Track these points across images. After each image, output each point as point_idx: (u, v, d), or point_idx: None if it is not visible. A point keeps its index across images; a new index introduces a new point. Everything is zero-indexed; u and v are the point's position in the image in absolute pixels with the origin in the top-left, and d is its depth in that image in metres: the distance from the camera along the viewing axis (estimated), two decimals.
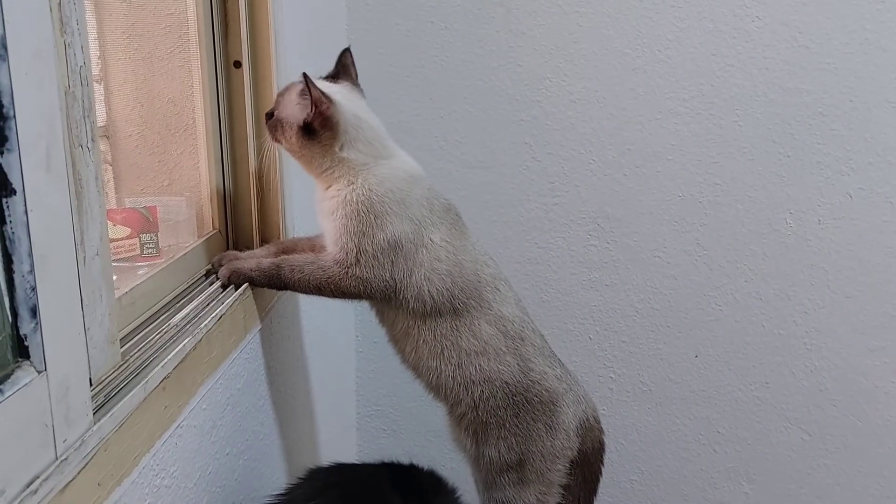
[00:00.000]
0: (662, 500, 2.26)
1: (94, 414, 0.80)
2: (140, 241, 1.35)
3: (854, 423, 2.18)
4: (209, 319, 1.11)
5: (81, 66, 0.84)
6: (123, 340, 1.00)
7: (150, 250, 1.35)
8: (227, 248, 1.44)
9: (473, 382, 1.34)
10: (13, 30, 0.66)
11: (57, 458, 0.72)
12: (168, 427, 0.96)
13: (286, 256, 1.33)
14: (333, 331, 2.02)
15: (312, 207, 1.61)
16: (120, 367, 0.93)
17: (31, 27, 0.70)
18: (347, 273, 1.28)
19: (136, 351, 0.98)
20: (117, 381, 0.90)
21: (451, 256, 1.34)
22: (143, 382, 0.90)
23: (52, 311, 0.72)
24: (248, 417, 1.29)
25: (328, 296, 1.31)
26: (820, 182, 2.06)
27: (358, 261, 1.28)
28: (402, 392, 2.26)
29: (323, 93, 1.28)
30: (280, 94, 1.34)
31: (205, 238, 1.38)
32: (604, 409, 2.24)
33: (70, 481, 0.73)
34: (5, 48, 0.65)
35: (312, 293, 1.32)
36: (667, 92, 2.05)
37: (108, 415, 0.82)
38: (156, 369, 0.93)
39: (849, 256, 2.10)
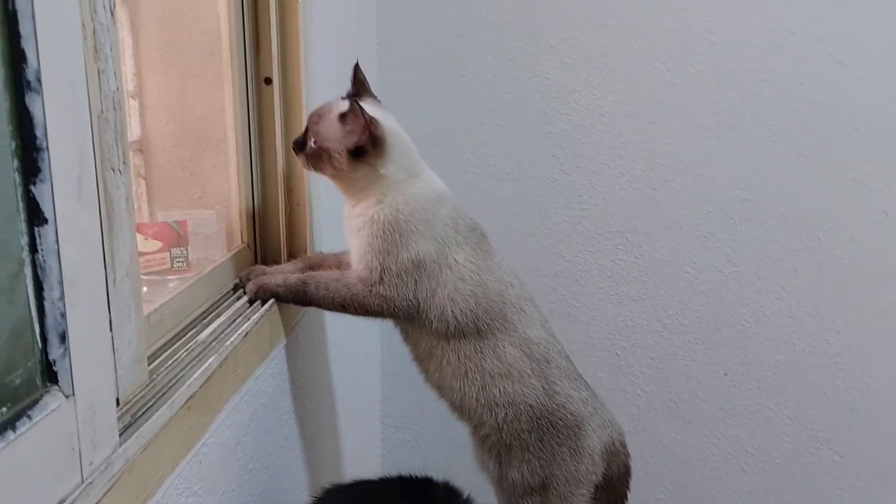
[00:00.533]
0: None
1: (119, 436, 0.82)
2: (171, 254, 1.37)
3: (888, 444, 2.13)
4: (235, 336, 1.12)
5: (115, 91, 0.86)
6: (151, 358, 1.02)
7: (179, 264, 1.37)
8: (255, 262, 1.45)
9: (497, 405, 1.34)
10: (48, 63, 0.68)
11: (83, 482, 0.74)
12: (192, 446, 0.97)
13: (312, 273, 1.34)
14: (359, 342, 2.03)
15: (339, 223, 1.63)
16: (147, 385, 0.94)
17: (66, 59, 0.72)
18: (371, 291, 1.29)
19: (163, 369, 1.00)
20: (144, 401, 0.91)
21: (476, 276, 1.34)
22: (168, 402, 0.91)
23: (80, 336, 0.74)
24: (272, 433, 1.30)
25: (352, 313, 1.32)
26: (853, 199, 2.02)
27: (382, 279, 1.29)
28: (428, 404, 2.24)
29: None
30: (313, 123, 1.33)
31: (234, 252, 1.39)
32: (630, 426, 2.22)
33: None
34: (40, 81, 0.67)
35: (336, 310, 1.33)
36: (697, 106, 2.03)
37: (134, 436, 0.83)
38: (181, 388, 0.95)
39: (882, 274, 2.05)
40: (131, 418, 0.87)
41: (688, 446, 2.23)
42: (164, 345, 1.08)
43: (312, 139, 1.32)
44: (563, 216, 2.16)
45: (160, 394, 0.93)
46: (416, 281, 1.29)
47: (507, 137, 2.13)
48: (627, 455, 1.47)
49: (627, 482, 1.48)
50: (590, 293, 2.20)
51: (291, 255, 1.49)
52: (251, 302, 1.29)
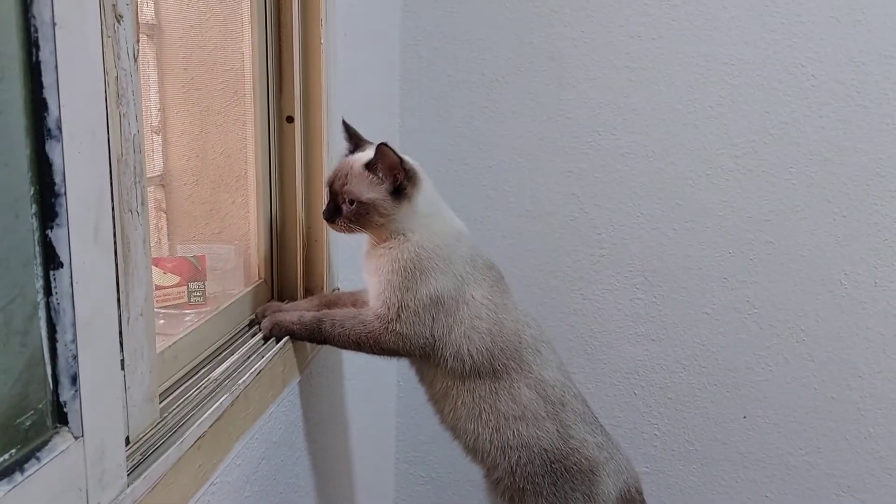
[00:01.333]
0: None
1: (128, 475, 0.82)
2: (188, 289, 1.39)
3: None
4: (248, 375, 1.13)
5: (135, 135, 0.88)
6: (163, 395, 1.02)
7: (197, 298, 1.39)
8: (272, 298, 1.46)
9: (511, 447, 1.33)
10: (69, 111, 0.69)
11: None
12: (201, 486, 0.98)
13: (328, 311, 1.35)
14: (374, 377, 2.02)
15: (356, 261, 1.64)
16: (158, 423, 0.95)
17: (87, 107, 0.73)
18: (388, 328, 1.29)
19: (174, 407, 1.00)
20: (154, 440, 0.92)
21: (492, 315, 1.34)
22: (178, 442, 0.92)
23: (92, 378, 0.74)
24: (283, 470, 1.30)
25: (367, 351, 1.32)
26: (877, 243, 2.00)
27: (399, 316, 1.29)
28: (443, 439, 2.22)
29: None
30: (340, 186, 1.31)
31: (251, 287, 1.41)
32: (647, 467, 2.19)
33: None
34: (60, 129, 0.69)
35: (352, 348, 1.33)
36: (718, 148, 2.02)
37: (143, 476, 0.84)
38: (192, 428, 0.95)
39: None
40: (141, 457, 0.88)
41: (705, 489, 2.19)
42: (177, 381, 1.09)
43: (347, 201, 1.30)
44: (582, 254, 2.16)
45: (170, 433, 0.94)
46: (433, 318, 1.30)
47: (528, 175, 2.14)
48: (644, 502, 1.45)
49: None
50: (608, 332, 2.19)
51: (308, 292, 1.50)
52: (266, 339, 1.30)
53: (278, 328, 1.31)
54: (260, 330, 1.32)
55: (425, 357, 1.33)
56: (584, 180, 2.11)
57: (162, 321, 1.39)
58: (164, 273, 1.38)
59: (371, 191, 1.29)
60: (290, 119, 1.45)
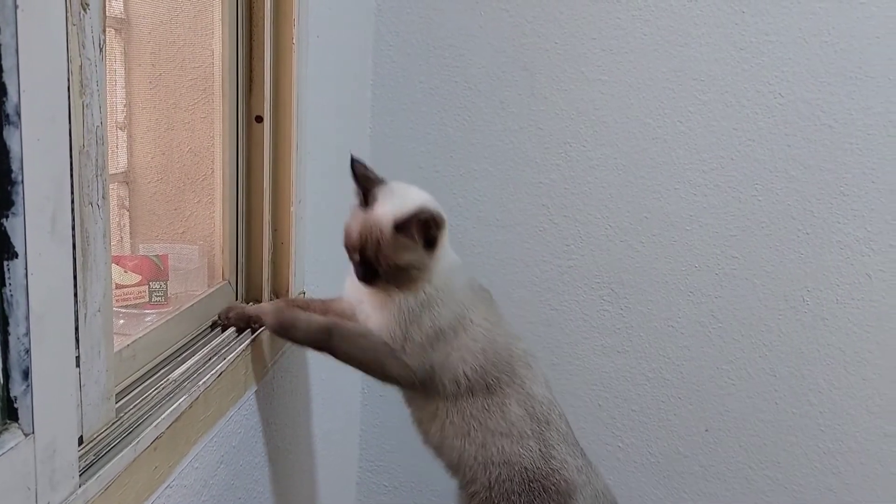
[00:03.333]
0: None
1: (80, 476, 0.80)
2: (149, 288, 1.36)
3: None
4: (208, 377, 1.11)
5: (98, 126, 0.86)
6: (120, 395, 1.00)
7: (158, 298, 1.36)
8: (237, 300, 1.44)
9: (493, 463, 1.32)
10: (29, 97, 0.67)
11: None
12: (156, 488, 0.95)
13: (338, 322, 1.32)
14: (340, 384, 2.00)
15: (323, 265, 1.62)
16: (113, 423, 0.92)
17: (48, 94, 0.71)
18: (396, 358, 1.28)
19: (131, 407, 0.98)
20: (108, 440, 0.89)
21: (487, 334, 1.33)
22: (133, 443, 0.89)
23: (44, 373, 0.72)
24: (241, 476, 1.27)
25: (371, 374, 1.31)
26: (839, 261, 2.03)
27: (404, 349, 1.28)
28: (407, 448, 2.22)
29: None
30: (371, 254, 1.25)
31: (214, 289, 1.38)
32: (610, 478, 2.17)
33: None
34: (19, 115, 0.66)
35: (354, 365, 1.31)
36: (686, 163, 2.05)
37: (95, 477, 0.81)
38: (148, 429, 0.93)
39: (866, 338, 2.05)
40: (94, 457, 0.85)
41: (667, 501, 2.20)
42: (135, 382, 1.06)
43: (383, 263, 1.25)
44: (550, 265, 2.16)
45: (126, 433, 0.91)
46: (433, 349, 1.29)
47: (497, 184, 2.14)
48: None
49: None
50: (575, 343, 2.19)
51: (274, 294, 1.48)
52: (252, 331, 1.29)
53: (281, 325, 1.28)
54: (222, 330, 1.29)
55: (423, 386, 1.32)
56: (554, 191, 2.12)
57: (122, 321, 1.36)
58: (125, 272, 1.35)
59: (407, 253, 1.25)
60: (260, 119, 1.43)
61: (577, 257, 2.14)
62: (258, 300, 1.46)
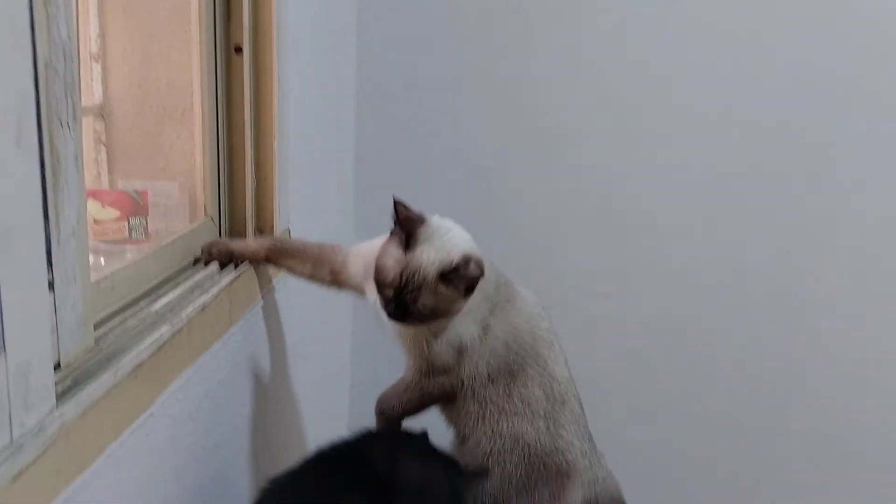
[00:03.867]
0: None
1: (57, 399, 0.78)
2: (129, 224, 1.33)
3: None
4: (191, 308, 1.08)
5: (66, 42, 0.82)
6: (100, 325, 0.97)
7: (138, 234, 1.33)
8: (220, 235, 1.41)
9: (500, 436, 1.31)
10: None
11: (11, 443, 0.70)
12: (138, 416, 0.93)
13: (380, 399, 1.36)
14: (329, 321, 1.98)
15: (308, 202, 1.59)
16: (92, 351, 0.90)
17: None
18: (430, 385, 1.31)
19: (110, 336, 0.95)
20: (87, 366, 0.87)
21: (508, 327, 1.32)
22: (113, 368, 0.87)
23: (14, 290, 0.69)
24: (228, 411, 1.26)
25: (423, 410, 1.35)
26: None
27: (433, 377, 1.30)
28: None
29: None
30: (410, 297, 1.21)
31: (196, 225, 1.35)
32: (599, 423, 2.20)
33: (24, 468, 0.71)
34: None
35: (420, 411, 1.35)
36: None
37: (73, 400, 0.79)
38: (128, 356, 0.91)
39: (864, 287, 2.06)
40: (72, 382, 0.83)
41: (650, 446, 2.21)
42: (115, 313, 1.03)
43: (421, 308, 1.22)
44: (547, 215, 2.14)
45: (105, 360, 0.89)
46: (459, 364, 1.29)
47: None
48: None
49: None
50: (569, 288, 2.18)
51: (258, 231, 1.45)
52: (235, 266, 1.28)
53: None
54: (205, 265, 1.27)
55: (455, 392, 1.32)
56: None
57: (102, 261, 1.33)
58: (104, 206, 1.32)
59: (448, 302, 1.23)
60: (239, 50, 1.38)
61: (568, 203, 2.13)
62: (242, 237, 1.43)
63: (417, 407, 1.33)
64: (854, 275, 2.05)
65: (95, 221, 1.32)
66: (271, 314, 1.45)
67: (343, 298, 2.11)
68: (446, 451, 1.30)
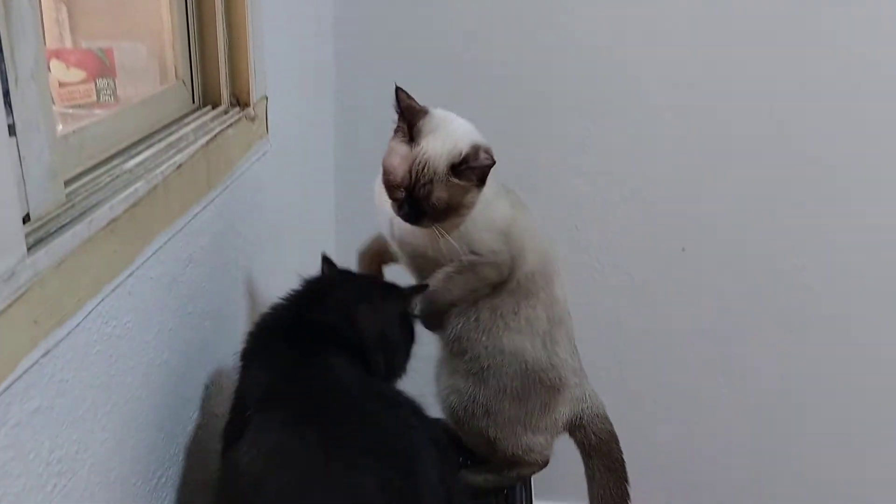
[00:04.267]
0: (638, 392, 2.27)
1: (28, 249, 0.73)
2: (96, 86, 1.25)
3: (836, 322, 2.16)
4: (166, 166, 1.03)
5: None
6: (71, 182, 0.92)
7: (107, 97, 1.25)
8: (193, 101, 1.34)
9: (501, 351, 1.33)
10: None
11: None
12: (118, 273, 0.90)
13: (429, 288, 1.28)
14: (312, 195, 1.94)
15: (284, 66, 1.51)
16: (63, 206, 0.85)
17: None
18: (485, 265, 1.29)
19: (82, 192, 0.90)
20: (60, 220, 0.82)
21: (539, 239, 1.34)
22: (87, 221, 0.83)
23: None
24: (214, 278, 1.23)
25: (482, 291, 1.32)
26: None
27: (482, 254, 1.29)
28: None
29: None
30: (422, 192, 1.19)
31: (167, 87, 1.28)
32: (585, 299, 2.21)
33: None
34: None
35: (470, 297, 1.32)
36: None
37: (45, 249, 0.75)
38: (103, 209, 0.86)
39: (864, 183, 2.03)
40: (44, 234, 0.79)
41: (640, 320, 2.23)
42: (86, 172, 0.98)
43: (436, 204, 1.19)
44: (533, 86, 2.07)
45: (78, 213, 0.84)
46: (507, 244, 1.29)
47: None
48: (610, 423, 1.45)
49: (618, 445, 1.45)
50: (550, 165, 2.13)
51: (234, 96, 1.38)
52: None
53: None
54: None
55: (506, 282, 1.32)
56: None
57: (72, 129, 1.26)
58: (68, 68, 1.24)
59: (462, 194, 1.20)
60: None
61: (557, 75, 2.05)
62: (216, 103, 1.36)
63: (472, 291, 1.30)
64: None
65: (61, 84, 1.24)
66: (252, 182, 1.40)
67: (326, 167, 2.08)
68: (381, 281, 1.31)
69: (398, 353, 1.19)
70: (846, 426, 2.24)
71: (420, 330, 1.27)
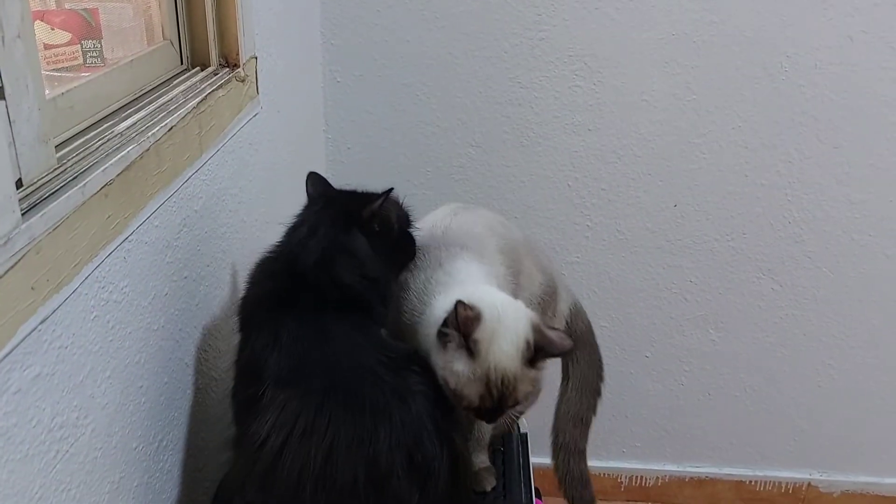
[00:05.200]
0: (631, 346, 2.29)
1: (22, 214, 0.72)
2: (82, 48, 1.22)
3: (826, 275, 2.18)
4: (158, 129, 1.01)
5: None
6: (61, 147, 0.91)
7: (93, 59, 1.23)
8: (181, 62, 1.31)
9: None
10: None
11: None
12: (114, 238, 0.89)
13: None
14: (304, 158, 1.91)
15: (275, 26, 1.48)
16: (55, 170, 0.84)
17: None
18: None
19: (74, 156, 0.89)
20: (53, 185, 0.81)
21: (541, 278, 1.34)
22: (80, 185, 0.81)
23: None
24: (208, 243, 1.22)
25: None
26: (821, 22, 1.94)
27: None
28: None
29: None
30: (510, 402, 1.03)
31: (155, 47, 1.25)
32: (577, 257, 2.21)
33: None
34: None
35: None
36: None
37: (40, 214, 0.74)
38: (96, 173, 0.85)
39: (842, 105, 2.01)
40: (38, 199, 0.77)
41: (633, 277, 2.24)
42: (76, 135, 0.96)
43: (520, 400, 1.04)
44: (520, 38, 2.03)
45: (71, 178, 0.83)
46: None
47: None
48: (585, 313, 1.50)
49: (594, 337, 1.49)
50: (545, 122, 2.11)
51: (222, 56, 1.35)
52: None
53: None
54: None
55: None
56: None
57: (59, 92, 1.23)
58: (53, 29, 1.21)
59: (539, 375, 1.06)
60: None
61: (549, 28, 2.01)
62: (205, 64, 1.33)
63: None
64: (846, 129, 2.01)
65: (46, 46, 1.21)
66: (244, 144, 1.38)
67: (317, 127, 2.05)
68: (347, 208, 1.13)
69: (387, 283, 1.12)
70: (837, 378, 2.27)
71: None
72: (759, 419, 2.34)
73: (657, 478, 2.43)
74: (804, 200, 2.12)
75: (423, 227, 1.21)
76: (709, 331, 2.27)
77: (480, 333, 1.01)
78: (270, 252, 1.12)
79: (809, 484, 2.40)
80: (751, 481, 2.41)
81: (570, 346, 1.07)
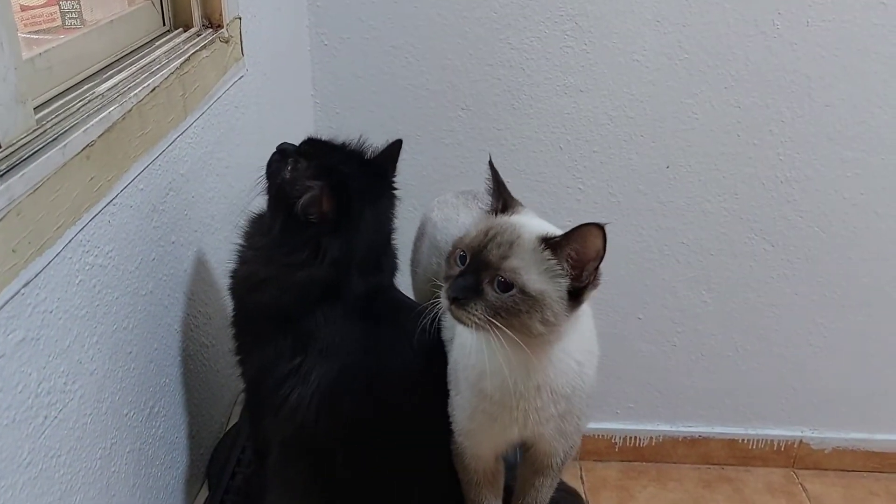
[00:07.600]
0: (623, 308, 2.29)
1: (1, 175, 0.71)
2: (60, 9, 1.19)
3: (818, 234, 2.18)
4: (140, 90, 0.99)
5: None
6: (40, 108, 0.88)
7: (72, 20, 1.20)
8: (164, 24, 1.28)
9: None
10: None
11: None
12: (97, 201, 0.87)
13: None
14: (292, 120, 1.89)
15: None
16: (35, 131, 0.82)
17: None
18: None
19: (53, 117, 0.87)
20: (32, 146, 0.79)
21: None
22: (60, 146, 0.79)
23: None
24: (195, 207, 1.20)
25: None
26: None
27: None
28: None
29: None
30: (495, 255, 0.86)
31: (135, 8, 1.22)
32: (570, 220, 2.18)
33: None
34: None
35: None
36: None
37: (19, 175, 0.72)
38: (76, 134, 0.83)
39: (834, 62, 1.99)
40: (17, 160, 0.75)
41: (625, 239, 2.23)
42: (56, 97, 0.94)
43: (500, 282, 0.85)
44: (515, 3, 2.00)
45: (51, 139, 0.81)
46: None
47: None
48: None
49: None
50: (536, 84, 2.08)
51: (205, 17, 1.32)
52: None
53: None
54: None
55: None
56: None
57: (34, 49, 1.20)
58: None
59: (544, 281, 0.86)
60: None
61: None
62: (188, 25, 1.30)
63: None
64: (838, 86, 1.99)
65: (22, 8, 1.18)
66: (230, 107, 1.36)
67: (304, 88, 2.02)
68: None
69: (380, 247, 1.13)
70: (828, 337, 2.29)
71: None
72: (751, 378, 2.35)
73: (650, 438, 2.45)
74: (796, 160, 2.11)
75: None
76: (701, 292, 2.27)
77: (518, 210, 0.94)
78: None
79: (801, 441, 2.43)
80: (743, 440, 2.44)
81: (599, 250, 0.89)
